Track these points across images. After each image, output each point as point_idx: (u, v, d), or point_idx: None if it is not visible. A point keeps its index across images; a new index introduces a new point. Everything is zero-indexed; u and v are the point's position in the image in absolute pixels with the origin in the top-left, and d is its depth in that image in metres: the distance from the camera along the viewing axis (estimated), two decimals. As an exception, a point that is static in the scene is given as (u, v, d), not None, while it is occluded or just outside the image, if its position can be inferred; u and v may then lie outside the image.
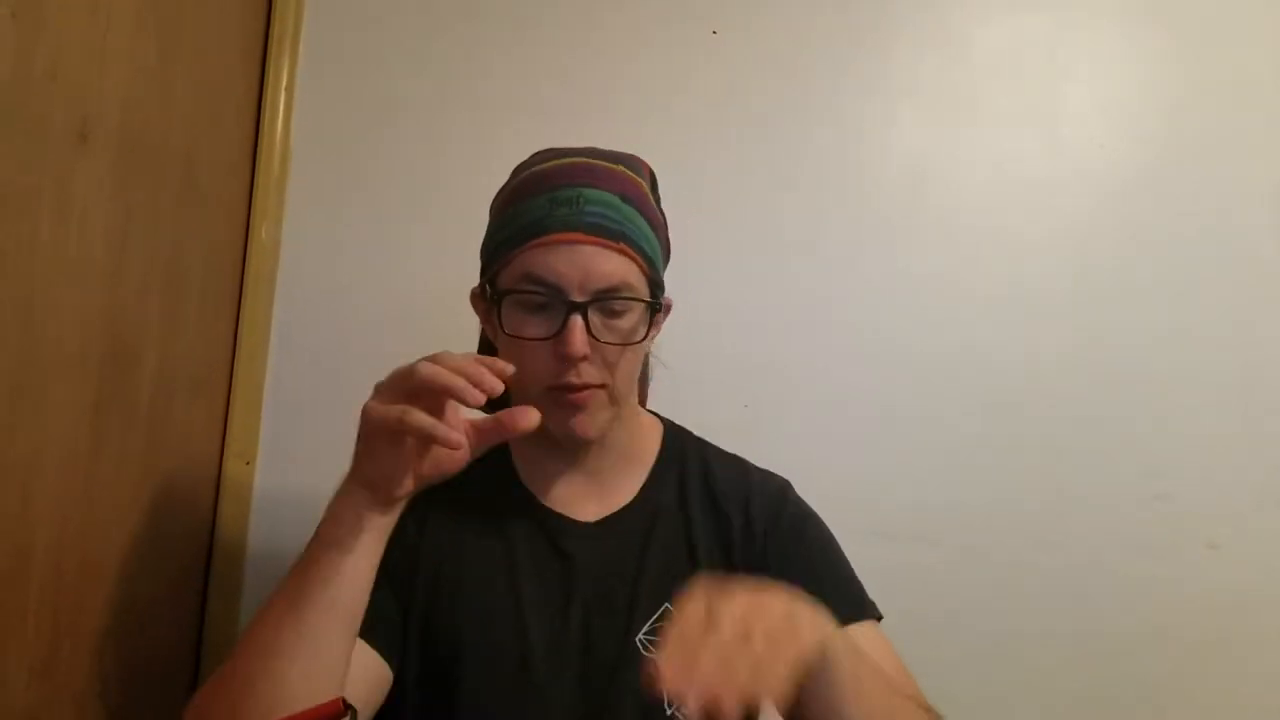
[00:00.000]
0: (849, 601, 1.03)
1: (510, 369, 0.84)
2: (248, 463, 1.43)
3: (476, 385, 0.81)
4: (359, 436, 0.85)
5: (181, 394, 1.27)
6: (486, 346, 1.08)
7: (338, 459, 0.89)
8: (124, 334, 1.10)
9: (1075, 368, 1.50)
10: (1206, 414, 1.50)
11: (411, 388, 0.82)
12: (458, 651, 0.99)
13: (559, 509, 1.05)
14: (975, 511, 1.48)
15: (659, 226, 1.03)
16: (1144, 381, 1.50)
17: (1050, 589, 1.48)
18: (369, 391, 0.86)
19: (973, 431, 1.49)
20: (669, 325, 1.06)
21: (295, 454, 1.44)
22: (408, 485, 0.87)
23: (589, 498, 1.06)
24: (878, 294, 1.50)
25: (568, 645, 1.00)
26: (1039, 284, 1.50)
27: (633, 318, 0.99)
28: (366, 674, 0.93)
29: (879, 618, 1.04)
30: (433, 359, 0.83)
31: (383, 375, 0.85)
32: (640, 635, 1.00)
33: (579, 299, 0.95)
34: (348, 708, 0.63)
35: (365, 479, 0.86)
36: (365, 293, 1.47)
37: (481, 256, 1.04)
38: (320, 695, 0.74)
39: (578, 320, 0.94)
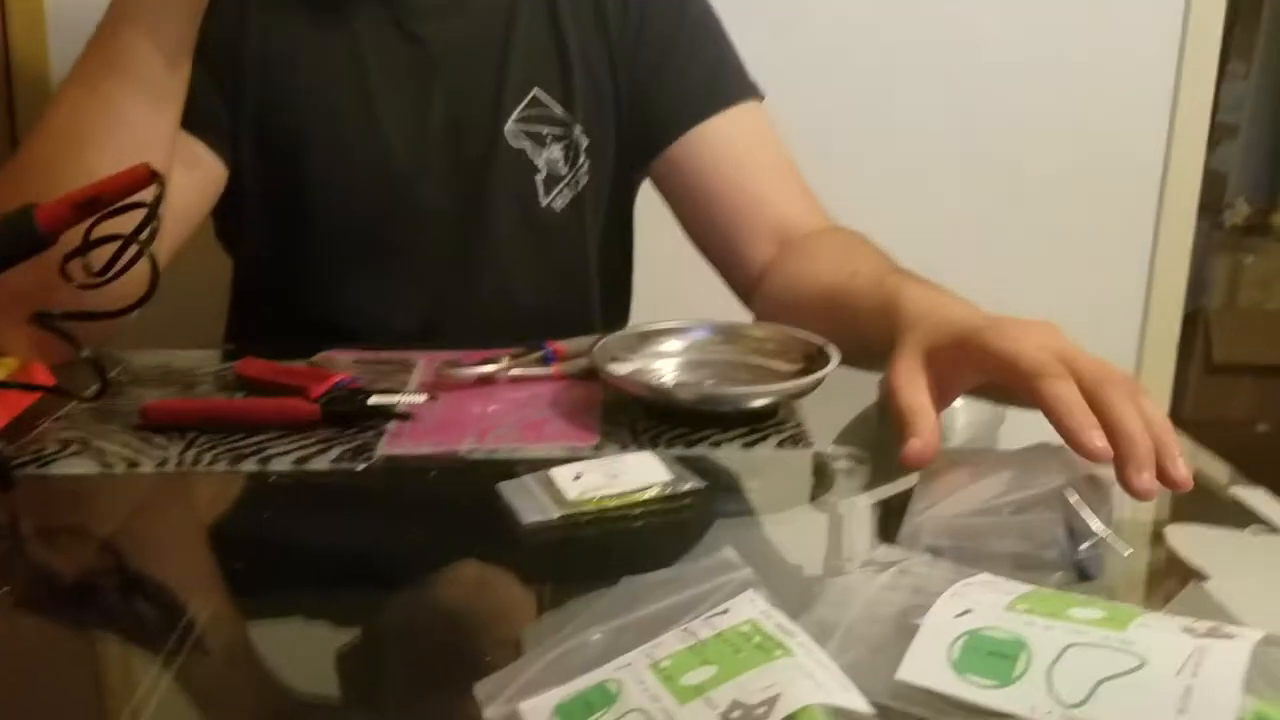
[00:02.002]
0: (730, 79, 0.97)
1: None
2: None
3: None
4: None
5: None
6: None
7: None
8: None
9: None
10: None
11: None
12: (300, 148, 0.90)
13: (404, -12, 0.91)
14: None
15: None
16: None
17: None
18: None
19: None
20: None
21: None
22: None
23: (437, -29, 0.92)
24: None
25: (431, 136, 0.92)
26: None
27: None
28: (194, 170, 0.84)
29: (761, 98, 0.98)
30: None
31: None
32: (509, 125, 0.93)
33: None
34: (154, 174, 0.55)
35: None
36: None
37: None
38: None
39: None
